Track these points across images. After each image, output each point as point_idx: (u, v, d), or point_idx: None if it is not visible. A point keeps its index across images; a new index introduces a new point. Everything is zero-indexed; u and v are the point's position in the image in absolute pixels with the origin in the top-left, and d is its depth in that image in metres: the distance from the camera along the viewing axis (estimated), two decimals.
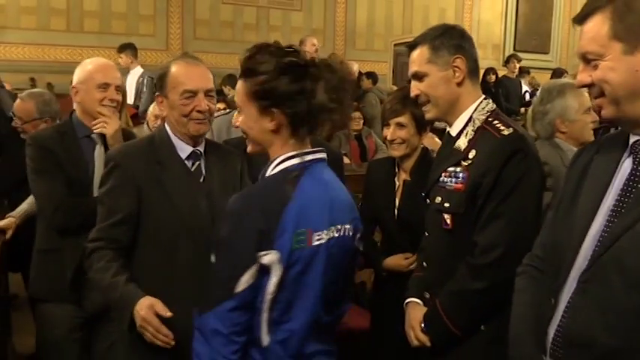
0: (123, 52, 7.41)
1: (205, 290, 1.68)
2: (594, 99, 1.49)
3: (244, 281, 1.59)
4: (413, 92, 2.15)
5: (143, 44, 8.99)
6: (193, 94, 2.20)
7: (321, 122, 1.69)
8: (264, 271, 1.60)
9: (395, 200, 2.70)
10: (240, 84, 1.71)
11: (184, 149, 2.27)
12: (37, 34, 8.54)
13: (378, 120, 7.38)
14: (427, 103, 2.14)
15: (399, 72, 10.51)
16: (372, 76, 8.63)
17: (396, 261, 2.71)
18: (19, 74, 7.91)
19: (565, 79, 2.98)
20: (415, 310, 2.16)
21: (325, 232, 1.69)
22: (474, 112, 2.09)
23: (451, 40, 2.09)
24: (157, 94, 2.28)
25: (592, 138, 2.67)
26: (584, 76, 1.47)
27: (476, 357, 2.01)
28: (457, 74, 2.08)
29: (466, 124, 2.09)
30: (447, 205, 2.04)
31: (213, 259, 1.67)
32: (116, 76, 2.85)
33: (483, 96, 2.15)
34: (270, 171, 1.68)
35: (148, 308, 2.03)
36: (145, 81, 7.18)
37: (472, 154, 2.01)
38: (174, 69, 2.23)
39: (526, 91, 9.87)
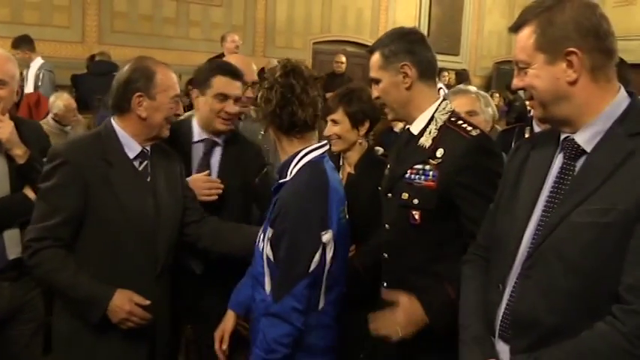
0: (18, 48, 6.88)
1: (277, 279, 1.99)
2: (528, 100, 1.67)
3: (315, 260, 1.96)
4: (374, 94, 2.25)
5: (58, 36, 8.75)
6: (178, 98, 2.48)
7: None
8: (323, 248, 1.98)
9: None
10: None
11: (133, 148, 2.33)
12: None
13: None
14: (385, 105, 2.25)
15: (317, 70, 10.68)
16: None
17: None
18: None
19: (460, 86, 3.22)
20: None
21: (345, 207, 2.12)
22: (435, 112, 2.17)
23: (400, 46, 2.16)
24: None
25: None
26: (517, 81, 1.63)
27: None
28: (406, 80, 2.15)
29: (428, 124, 2.16)
30: (415, 201, 2.11)
31: (268, 252, 2.01)
32: None
33: (442, 97, 2.26)
34: (295, 164, 2.05)
35: (129, 301, 2.18)
36: (42, 74, 6.96)
37: (440, 152, 2.09)
38: (159, 72, 2.34)
39: (440, 88, 10.30)
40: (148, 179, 2.37)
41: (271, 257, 2.02)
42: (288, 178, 2.04)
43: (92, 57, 8.07)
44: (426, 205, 2.09)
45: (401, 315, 2.04)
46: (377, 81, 2.21)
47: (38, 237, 2.19)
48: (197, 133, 2.74)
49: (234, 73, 2.70)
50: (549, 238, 1.54)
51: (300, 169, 2.04)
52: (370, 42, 12.51)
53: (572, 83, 1.54)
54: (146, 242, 2.31)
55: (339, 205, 2.07)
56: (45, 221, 2.19)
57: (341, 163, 2.90)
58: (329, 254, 2.00)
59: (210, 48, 8.89)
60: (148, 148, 2.38)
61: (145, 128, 2.33)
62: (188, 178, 2.62)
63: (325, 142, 2.18)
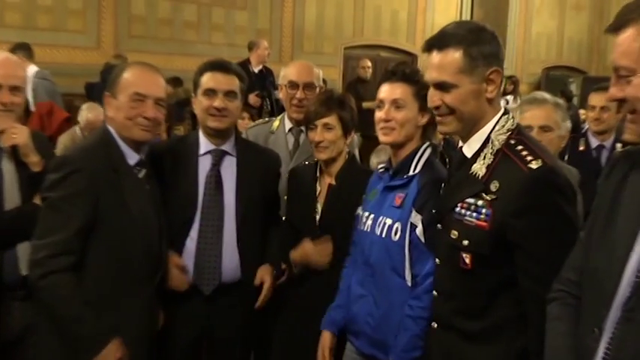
0: (14, 55, 7.03)
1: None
2: (629, 114, 1.51)
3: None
4: (433, 102, 2.01)
5: (72, 42, 8.90)
6: (143, 98, 2.42)
7: None
8: None
9: (317, 206, 2.81)
10: (404, 87, 2.38)
11: (132, 156, 2.47)
12: None
13: None
14: (449, 115, 1.99)
15: (350, 77, 10.72)
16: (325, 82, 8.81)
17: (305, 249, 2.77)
18: None
19: (536, 94, 3.02)
20: None
21: None
22: (491, 131, 1.96)
23: (489, 47, 1.94)
24: (106, 93, 2.49)
25: None
26: (616, 91, 1.49)
27: None
28: (491, 89, 1.95)
29: (483, 145, 1.96)
30: (465, 242, 1.92)
31: (420, 234, 2.30)
32: (10, 74, 2.63)
33: (503, 110, 2.02)
34: (418, 160, 2.40)
35: (118, 352, 2.31)
36: (36, 83, 6.92)
37: (495, 186, 1.87)
38: (127, 71, 2.47)
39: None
40: (147, 187, 2.51)
41: (422, 238, 2.29)
42: (413, 172, 2.38)
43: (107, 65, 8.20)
44: (479, 249, 1.90)
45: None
46: (449, 86, 1.95)
47: (52, 253, 2.23)
48: (204, 144, 2.79)
49: (222, 67, 2.77)
50: None
51: (425, 162, 2.40)
52: (407, 47, 12.58)
53: None
54: (151, 252, 2.46)
55: None
56: (57, 234, 2.25)
57: (318, 174, 2.87)
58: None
59: (234, 53, 8.93)
60: (144, 156, 2.51)
61: (119, 130, 2.43)
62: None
63: (428, 141, 2.47)
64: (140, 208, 2.42)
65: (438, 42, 1.98)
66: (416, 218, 2.32)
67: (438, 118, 2.05)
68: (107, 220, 2.32)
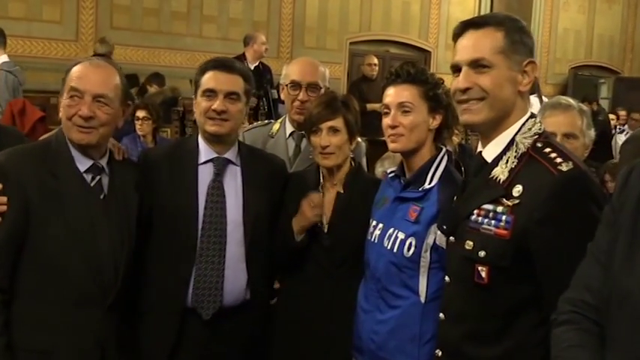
0: None
1: None
2: None
3: None
4: (462, 84, 2.00)
5: (47, 33, 8.93)
6: (79, 94, 2.38)
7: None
8: None
9: (321, 215, 2.79)
10: (410, 88, 2.45)
11: (82, 161, 2.44)
12: None
13: None
14: (479, 101, 1.99)
15: (356, 75, 10.70)
16: None
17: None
18: None
19: (559, 98, 3.00)
20: None
21: None
22: (517, 134, 1.98)
23: (529, 38, 2.01)
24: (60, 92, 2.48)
25: None
26: None
27: None
28: (526, 81, 1.98)
29: (506, 148, 1.98)
30: (482, 253, 1.92)
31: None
32: None
33: (530, 113, 2.04)
34: (435, 170, 2.44)
35: None
36: (3, 73, 6.88)
37: (517, 190, 1.88)
38: (74, 66, 2.44)
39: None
40: (102, 197, 2.46)
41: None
42: (429, 184, 2.42)
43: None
44: (497, 261, 1.89)
45: None
46: (486, 66, 1.97)
47: None
48: (204, 151, 2.76)
49: (224, 65, 2.75)
50: None
51: (443, 173, 2.44)
52: (419, 42, 12.59)
53: None
54: (98, 269, 2.40)
55: None
56: None
57: (321, 181, 2.85)
58: None
59: (227, 48, 8.93)
60: (102, 162, 2.48)
61: (65, 132, 2.42)
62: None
63: (443, 148, 2.52)
64: (84, 219, 2.38)
65: (477, 20, 2.04)
66: (442, 240, 2.32)
67: (464, 106, 2.03)
68: (39, 229, 2.30)
